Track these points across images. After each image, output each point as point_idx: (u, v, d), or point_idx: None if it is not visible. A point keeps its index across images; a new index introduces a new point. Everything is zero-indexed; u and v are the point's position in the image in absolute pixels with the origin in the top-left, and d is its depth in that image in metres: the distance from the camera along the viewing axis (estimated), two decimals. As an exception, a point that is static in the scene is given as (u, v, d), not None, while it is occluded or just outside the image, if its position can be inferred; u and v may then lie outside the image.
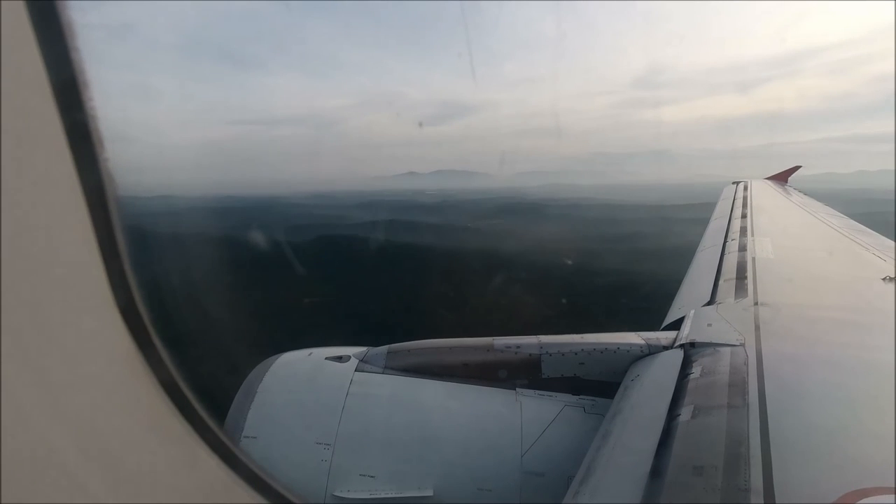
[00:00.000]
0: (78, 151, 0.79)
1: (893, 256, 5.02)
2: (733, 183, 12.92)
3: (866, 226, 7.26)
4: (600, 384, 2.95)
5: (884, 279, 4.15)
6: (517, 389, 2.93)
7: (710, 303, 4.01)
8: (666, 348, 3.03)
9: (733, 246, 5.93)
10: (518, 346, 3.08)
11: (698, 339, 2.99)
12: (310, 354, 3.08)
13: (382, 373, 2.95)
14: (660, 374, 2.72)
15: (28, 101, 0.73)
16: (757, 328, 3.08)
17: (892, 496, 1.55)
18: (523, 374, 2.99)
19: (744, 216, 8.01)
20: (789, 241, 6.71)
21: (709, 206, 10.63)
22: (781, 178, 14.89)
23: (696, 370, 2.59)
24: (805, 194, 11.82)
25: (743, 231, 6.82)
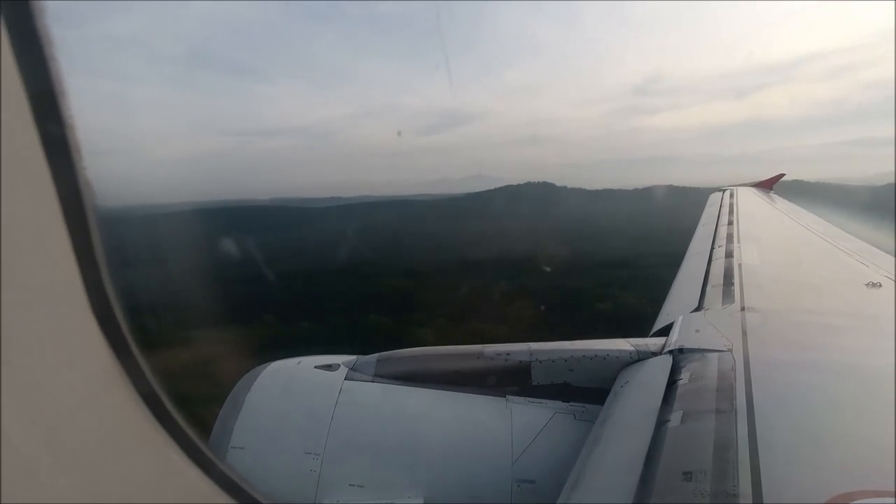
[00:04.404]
0: (54, 160, 0.78)
1: (875, 261, 5.12)
2: (719, 190, 13.09)
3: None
4: (590, 391, 2.95)
5: (867, 284, 4.23)
6: (507, 397, 2.92)
7: (697, 309, 4.05)
8: (655, 354, 3.05)
9: (720, 252, 6.01)
10: (508, 354, 3.08)
11: (687, 345, 3.01)
12: (298, 363, 3.05)
13: (372, 381, 2.92)
14: (649, 380, 2.73)
15: (3, 110, 0.72)
16: (744, 333, 3.11)
17: (880, 499, 1.56)
18: (513, 381, 2.98)
19: (730, 223, 8.10)
20: (775, 247, 6.81)
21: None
22: (766, 185, 15.13)
23: (684, 376, 2.61)
24: (788, 201, 12.01)
25: (729, 238, 6.90)
